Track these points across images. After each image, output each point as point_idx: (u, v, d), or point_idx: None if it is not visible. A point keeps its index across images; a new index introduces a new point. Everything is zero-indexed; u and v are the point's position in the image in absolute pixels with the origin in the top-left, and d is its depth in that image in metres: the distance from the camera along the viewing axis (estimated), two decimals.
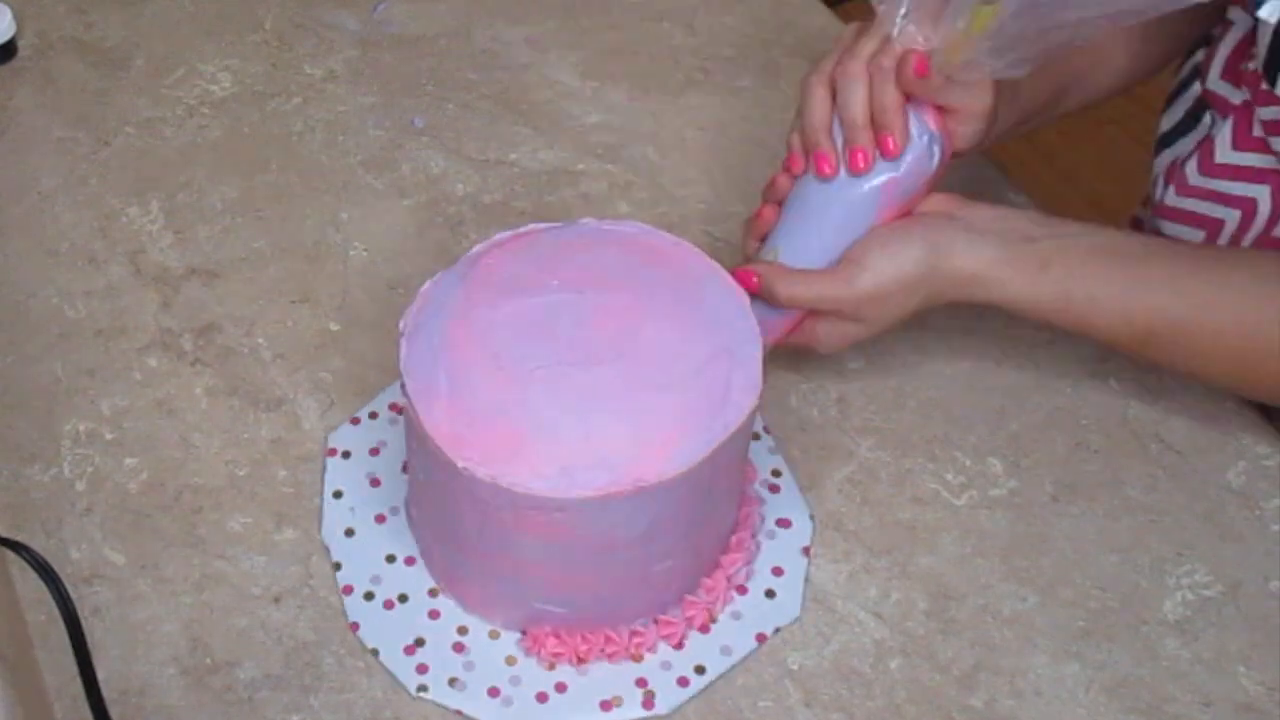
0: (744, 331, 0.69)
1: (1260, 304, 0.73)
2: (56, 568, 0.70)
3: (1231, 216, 0.84)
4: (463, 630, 0.72)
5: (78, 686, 0.68)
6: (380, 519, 0.76)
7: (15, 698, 0.63)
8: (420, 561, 0.75)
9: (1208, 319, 0.74)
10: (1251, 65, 0.81)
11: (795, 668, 0.72)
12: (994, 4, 0.67)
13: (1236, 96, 0.83)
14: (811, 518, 0.78)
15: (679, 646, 0.72)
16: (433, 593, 0.74)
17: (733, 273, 0.74)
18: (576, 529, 0.65)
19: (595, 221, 0.74)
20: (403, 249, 0.91)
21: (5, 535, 0.72)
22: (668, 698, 0.70)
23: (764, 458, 0.80)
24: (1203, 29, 0.87)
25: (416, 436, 0.67)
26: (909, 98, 0.73)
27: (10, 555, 0.72)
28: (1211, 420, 0.83)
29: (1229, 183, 0.83)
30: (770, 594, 0.74)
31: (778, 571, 0.75)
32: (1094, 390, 0.85)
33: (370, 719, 0.69)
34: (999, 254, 0.74)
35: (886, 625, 0.74)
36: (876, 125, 0.73)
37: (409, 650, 0.71)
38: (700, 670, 0.71)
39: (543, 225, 0.74)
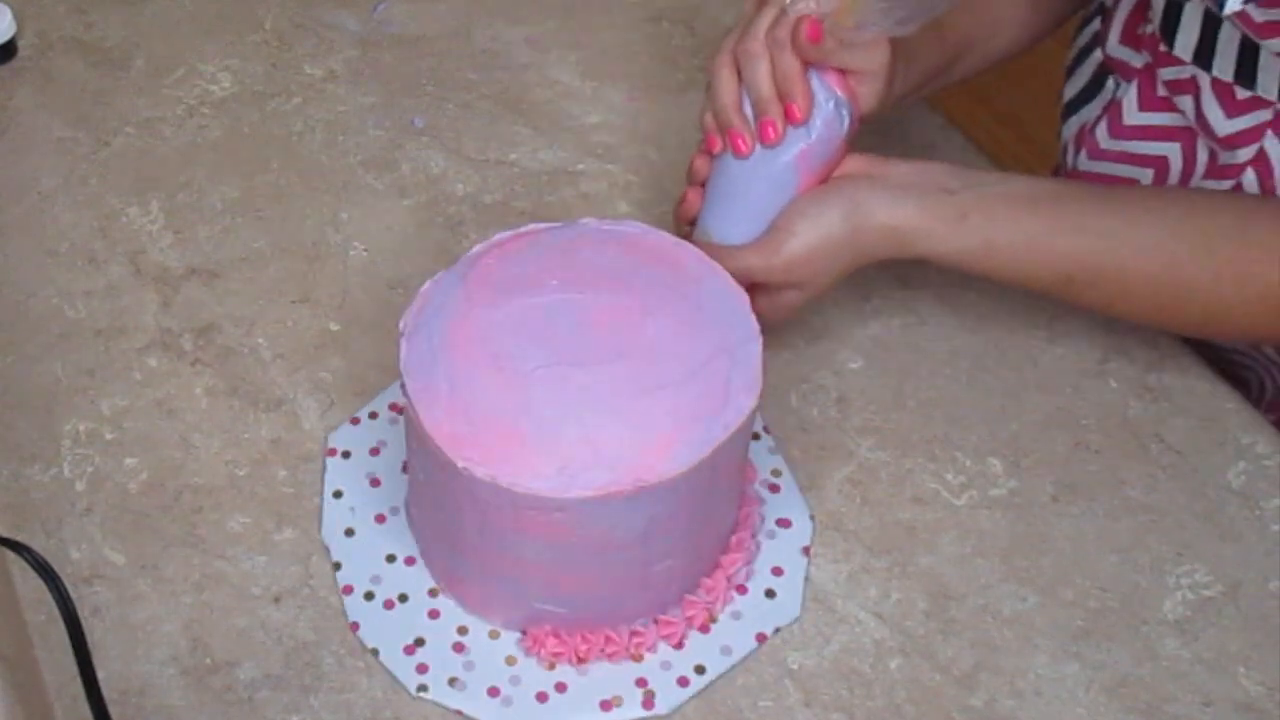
0: (744, 331, 0.69)
1: (1172, 240, 0.75)
2: (56, 568, 0.69)
3: (1145, 176, 0.87)
4: (463, 630, 0.72)
5: (78, 686, 0.67)
6: (380, 519, 0.76)
7: (15, 698, 0.63)
8: (420, 561, 0.75)
9: (1123, 258, 0.76)
10: (1149, 29, 0.83)
11: (795, 668, 0.72)
12: None
13: (1138, 60, 0.85)
14: (812, 518, 0.78)
15: (679, 646, 0.72)
16: (433, 592, 0.74)
17: None
18: (576, 529, 0.65)
19: (595, 221, 0.74)
20: (403, 249, 0.91)
21: (5, 535, 0.71)
22: (668, 697, 0.70)
23: (764, 458, 0.80)
24: None
25: (416, 436, 0.67)
26: (809, 65, 0.75)
27: (10, 555, 0.72)
28: (1211, 420, 0.83)
29: (1140, 143, 0.86)
30: (770, 594, 0.74)
31: (777, 571, 0.75)
32: (1094, 390, 0.85)
33: (370, 719, 0.69)
34: (918, 208, 0.76)
35: (886, 625, 0.74)
36: (781, 95, 0.75)
37: (409, 650, 0.71)
38: (700, 670, 0.71)
39: (542, 225, 0.74)
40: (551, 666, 0.71)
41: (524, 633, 0.72)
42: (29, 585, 0.72)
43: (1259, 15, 0.72)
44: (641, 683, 0.71)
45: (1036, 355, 0.87)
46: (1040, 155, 1.94)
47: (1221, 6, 0.72)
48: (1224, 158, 0.81)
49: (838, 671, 0.72)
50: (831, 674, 0.72)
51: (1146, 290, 0.76)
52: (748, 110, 0.77)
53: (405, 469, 0.77)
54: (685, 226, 0.82)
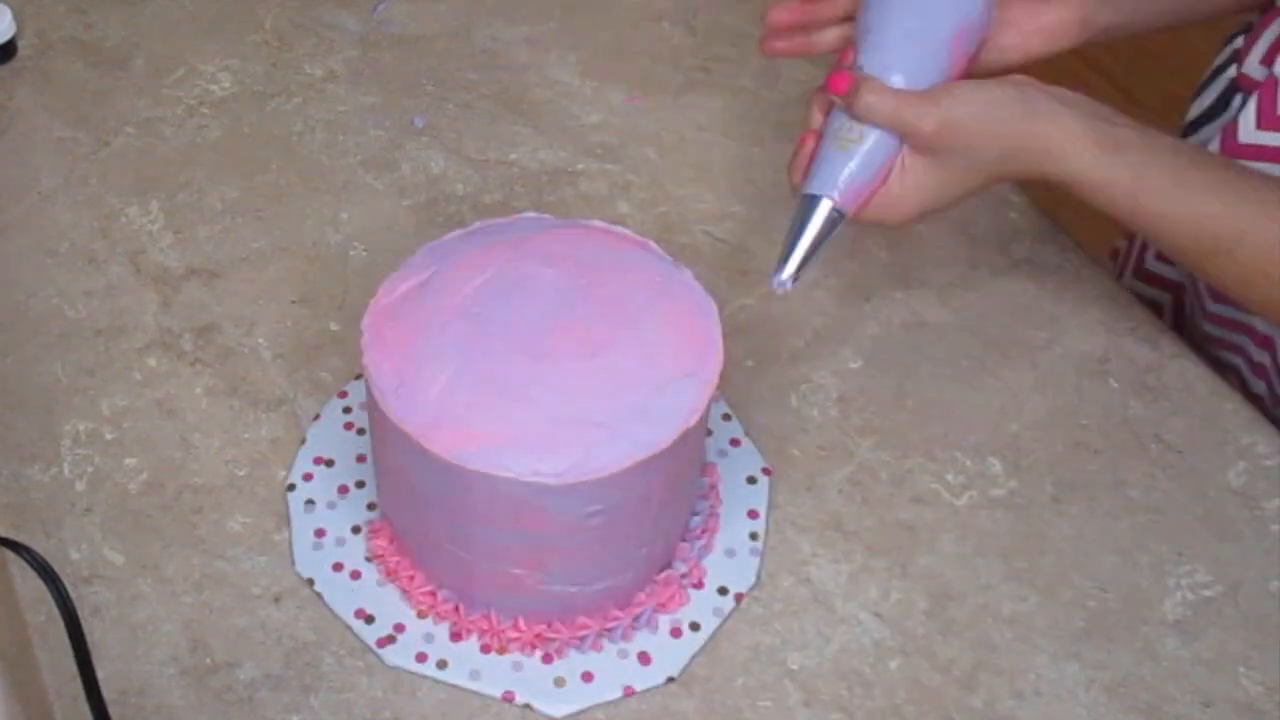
0: (703, 307, 0.70)
1: None
2: (56, 568, 0.69)
3: None
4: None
5: (78, 686, 0.67)
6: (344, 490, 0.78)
7: (15, 697, 0.63)
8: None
9: (1274, 234, 0.71)
10: None
11: (795, 668, 0.72)
12: None
13: (1265, 74, 0.81)
14: (765, 472, 0.78)
15: (700, 585, 0.74)
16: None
17: (826, 80, 0.72)
18: (546, 513, 0.65)
19: (552, 218, 0.75)
20: (403, 249, 0.90)
21: (5, 535, 0.71)
22: (669, 659, 0.71)
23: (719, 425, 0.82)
24: None
25: (379, 423, 0.67)
26: None
27: (10, 555, 0.72)
28: (1211, 420, 0.83)
29: (1252, 164, 0.80)
30: (730, 553, 0.76)
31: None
32: (1094, 390, 0.85)
33: (370, 719, 0.69)
34: (1080, 124, 0.71)
35: (886, 625, 0.74)
36: None
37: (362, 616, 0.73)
38: (695, 626, 0.73)
39: (497, 220, 0.74)
40: (546, 658, 0.72)
41: (489, 617, 0.72)
42: (29, 585, 0.72)
43: None
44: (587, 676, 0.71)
45: (1036, 355, 0.87)
46: None
47: None
48: None
49: (838, 671, 0.72)
50: (831, 674, 0.72)
51: None
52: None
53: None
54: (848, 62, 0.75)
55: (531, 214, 0.76)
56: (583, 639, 0.72)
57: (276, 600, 0.73)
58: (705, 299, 0.71)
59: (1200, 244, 0.72)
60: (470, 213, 0.94)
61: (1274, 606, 0.75)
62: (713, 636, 0.73)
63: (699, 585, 0.74)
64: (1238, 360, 0.91)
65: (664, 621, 0.73)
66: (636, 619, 0.72)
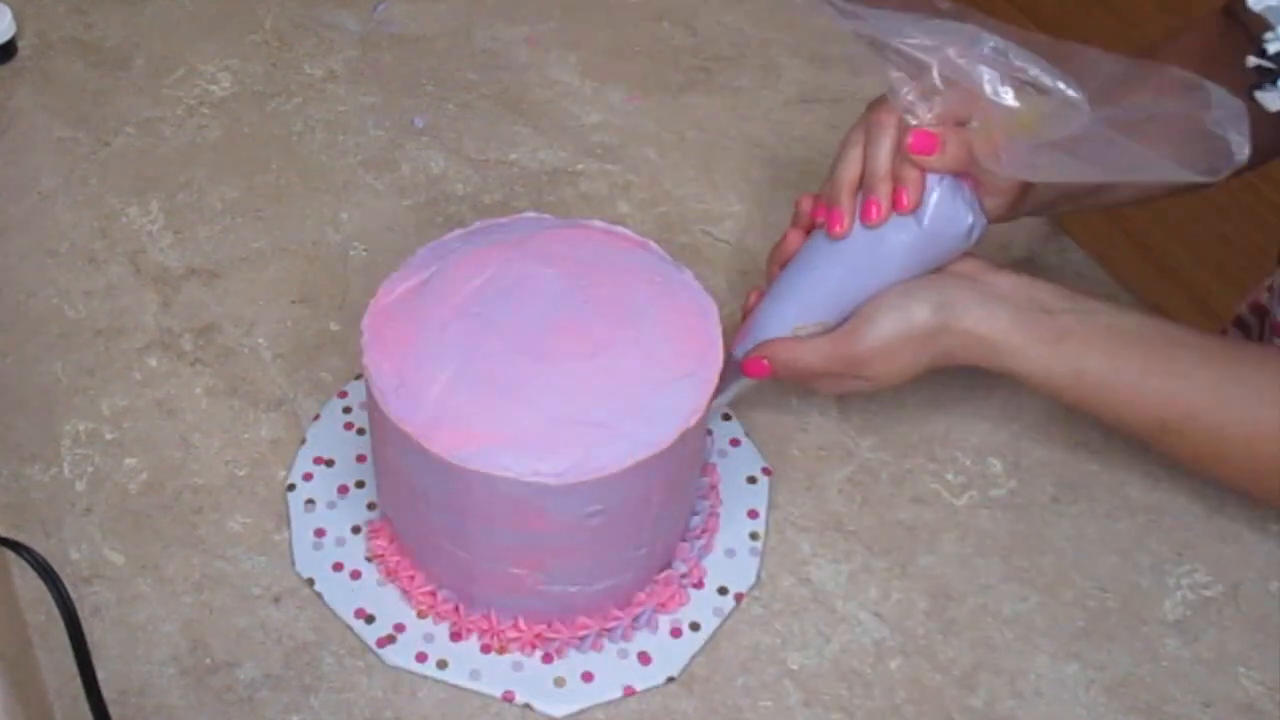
0: (703, 307, 0.70)
1: (1275, 408, 0.70)
2: (56, 568, 0.69)
3: None
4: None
5: (78, 686, 0.67)
6: (344, 490, 0.78)
7: (15, 697, 0.63)
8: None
9: (1222, 416, 0.70)
10: None
11: (795, 668, 0.72)
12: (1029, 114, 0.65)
13: None
14: (765, 472, 0.78)
15: (700, 585, 0.74)
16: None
17: (741, 364, 0.75)
18: (545, 513, 0.65)
19: (553, 218, 0.75)
20: (403, 249, 0.91)
21: (5, 535, 0.71)
22: (669, 659, 0.72)
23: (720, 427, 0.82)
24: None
25: (379, 423, 0.67)
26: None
27: (10, 555, 0.72)
28: None
29: None
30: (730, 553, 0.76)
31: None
32: None
33: (370, 719, 0.69)
34: (1013, 321, 0.71)
35: (886, 625, 0.74)
36: (895, 176, 0.70)
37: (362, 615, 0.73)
38: (695, 627, 0.73)
39: (498, 220, 0.74)
40: (548, 658, 0.71)
41: (487, 616, 0.72)
42: (29, 585, 0.72)
43: None
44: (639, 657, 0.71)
45: None
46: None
47: None
48: None
49: (838, 671, 0.72)
50: (831, 674, 0.72)
51: (1244, 454, 0.71)
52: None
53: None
54: (749, 303, 0.78)
55: (532, 214, 0.76)
56: (583, 639, 0.72)
57: (276, 600, 0.73)
58: (705, 299, 0.71)
59: (1149, 426, 0.72)
60: (470, 213, 0.94)
61: (1274, 606, 0.75)
62: (713, 636, 0.73)
63: (699, 585, 0.74)
64: None
65: (664, 621, 0.73)
66: (636, 619, 0.72)
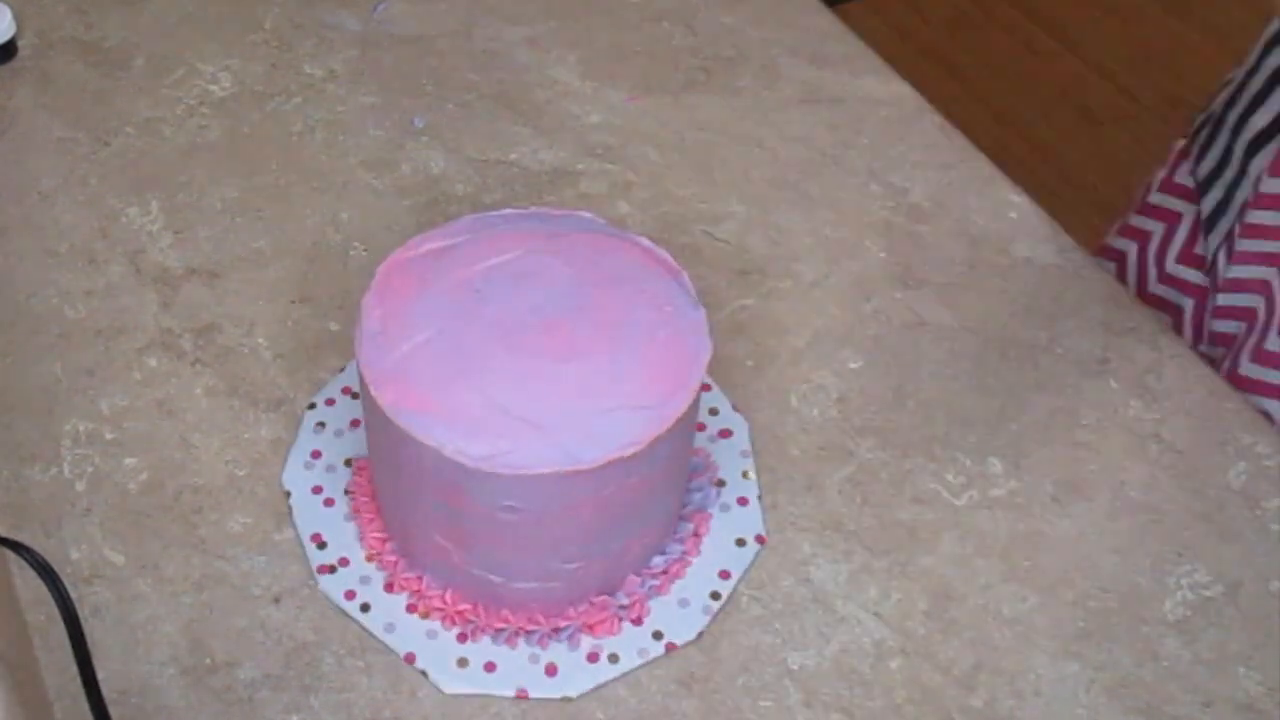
0: (696, 350, 0.69)
1: None
2: (56, 568, 0.69)
3: None
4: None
5: (78, 686, 0.67)
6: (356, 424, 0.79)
7: (15, 698, 0.63)
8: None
9: None
10: None
11: (795, 668, 0.72)
12: None
13: None
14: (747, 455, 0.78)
15: (639, 622, 0.73)
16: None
17: None
18: (464, 494, 0.66)
19: (547, 209, 0.75)
20: None
21: (5, 535, 0.71)
22: (573, 680, 0.71)
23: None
24: None
25: (370, 410, 0.68)
26: None
27: (10, 555, 0.72)
28: (1211, 420, 0.83)
29: None
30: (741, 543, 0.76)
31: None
32: (1094, 390, 0.85)
33: (370, 719, 0.69)
34: None
35: (886, 625, 0.74)
36: None
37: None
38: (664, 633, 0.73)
39: (554, 210, 0.75)
40: (541, 642, 0.72)
41: (473, 606, 0.72)
42: (29, 585, 0.72)
43: None
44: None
45: (1036, 355, 0.87)
46: (1037, 151, 1.95)
47: None
48: None
49: (838, 671, 0.72)
50: (831, 674, 0.72)
51: None
52: None
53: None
54: None
55: (587, 214, 0.75)
56: (499, 631, 0.72)
57: (276, 600, 0.73)
58: (703, 343, 0.69)
59: None
60: (470, 213, 0.93)
61: (1274, 606, 0.75)
62: (629, 672, 0.71)
63: (638, 622, 0.73)
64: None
65: (586, 643, 0.72)
66: (559, 631, 0.72)
